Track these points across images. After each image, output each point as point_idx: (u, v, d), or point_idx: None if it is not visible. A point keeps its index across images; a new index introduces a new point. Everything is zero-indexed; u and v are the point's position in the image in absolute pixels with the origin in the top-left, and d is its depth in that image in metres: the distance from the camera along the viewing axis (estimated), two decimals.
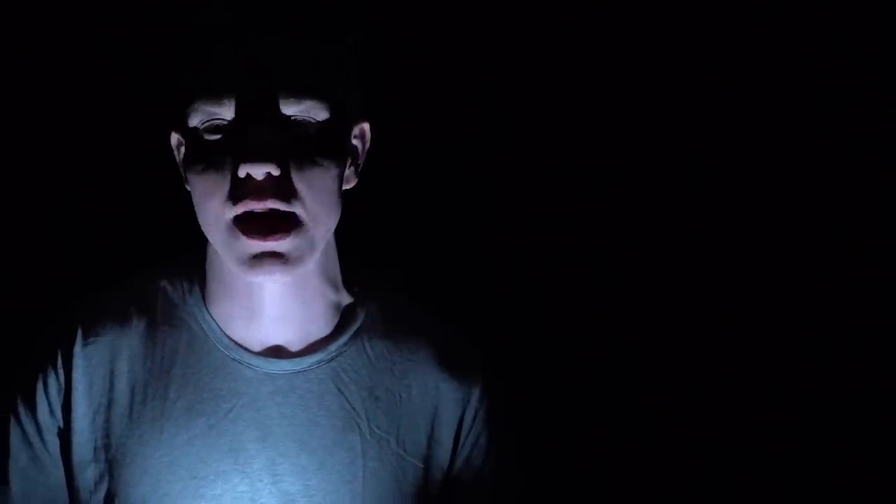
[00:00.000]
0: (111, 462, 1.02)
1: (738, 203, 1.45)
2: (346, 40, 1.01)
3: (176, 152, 1.04)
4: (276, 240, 0.94)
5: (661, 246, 1.45)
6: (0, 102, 1.38)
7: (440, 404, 1.08)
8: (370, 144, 1.08)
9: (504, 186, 1.45)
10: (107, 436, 1.02)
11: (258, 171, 0.91)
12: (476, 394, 1.09)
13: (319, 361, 1.05)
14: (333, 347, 1.06)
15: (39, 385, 1.04)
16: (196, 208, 0.98)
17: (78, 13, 1.37)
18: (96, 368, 1.03)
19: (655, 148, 1.45)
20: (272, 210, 0.93)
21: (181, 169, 1.04)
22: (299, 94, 0.94)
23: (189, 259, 1.09)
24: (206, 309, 1.06)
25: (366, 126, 1.06)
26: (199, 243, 1.05)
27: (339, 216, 1.01)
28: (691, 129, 1.44)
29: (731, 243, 1.46)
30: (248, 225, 0.94)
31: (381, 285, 1.13)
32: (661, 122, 1.44)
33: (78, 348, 1.04)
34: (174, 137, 1.04)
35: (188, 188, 1.02)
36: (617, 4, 1.43)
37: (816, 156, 1.44)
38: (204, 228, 0.99)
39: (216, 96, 0.93)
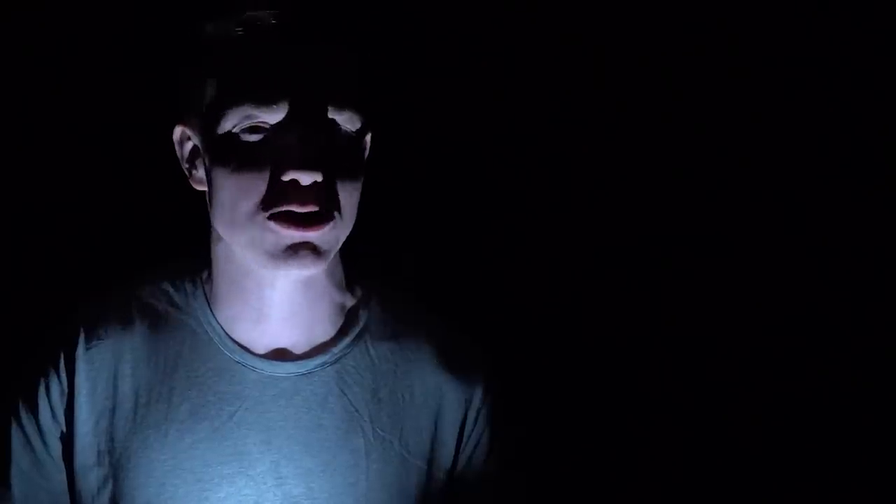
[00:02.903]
0: (115, 466, 1.02)
1: (739, 204, 1.46)
2: (370, 49, 1.01)
3: (178, 147, 1.04)
4: (315, 230, 0.94)
5: (666, 246, 1.45)
6: (1, 102, 1.37)
7: (443, 405, 1.08)
8: (368, 153, 1.08)
9: (509, 186, 1.45)
10: (110, 439, 1.02)
11: (307, 178, 0.92)
12: (478, 394, 1.09)
13: (323, 364, 1.05)
14: (337, 349, 1.06)
15: (41, 389, 1.03)
16: (218, 205, 0.98)
17: (82, 13, 1.36)
18: (99, 372, 1.03)
19: (660, 148, 1.45)
20: (312, 212, 0.94)
21: (184, 164, 1.03)
22: (344, 103, 0.96)
23: (191, 261, 1.08)
24: (211, 311, 1.05)
25: (369, 136, 1.07)
26: (203, 245, 1.05)
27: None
28: (695, 130, 1.44)
29: (732, 244, 1.46)
30: (285, 217, 0.94)
31: (383, 286, 1.12)
32: (666, 120, 1.44)
33: (80, 352, 1.03)
34: (178, 131, 1.03)
35: (196, 186, 1.02)
36: (619, 6, 1.43)
37: (816, 156, 1.44)
38: (225, 225, 0.98)
39: (266, 100, 0.93)
